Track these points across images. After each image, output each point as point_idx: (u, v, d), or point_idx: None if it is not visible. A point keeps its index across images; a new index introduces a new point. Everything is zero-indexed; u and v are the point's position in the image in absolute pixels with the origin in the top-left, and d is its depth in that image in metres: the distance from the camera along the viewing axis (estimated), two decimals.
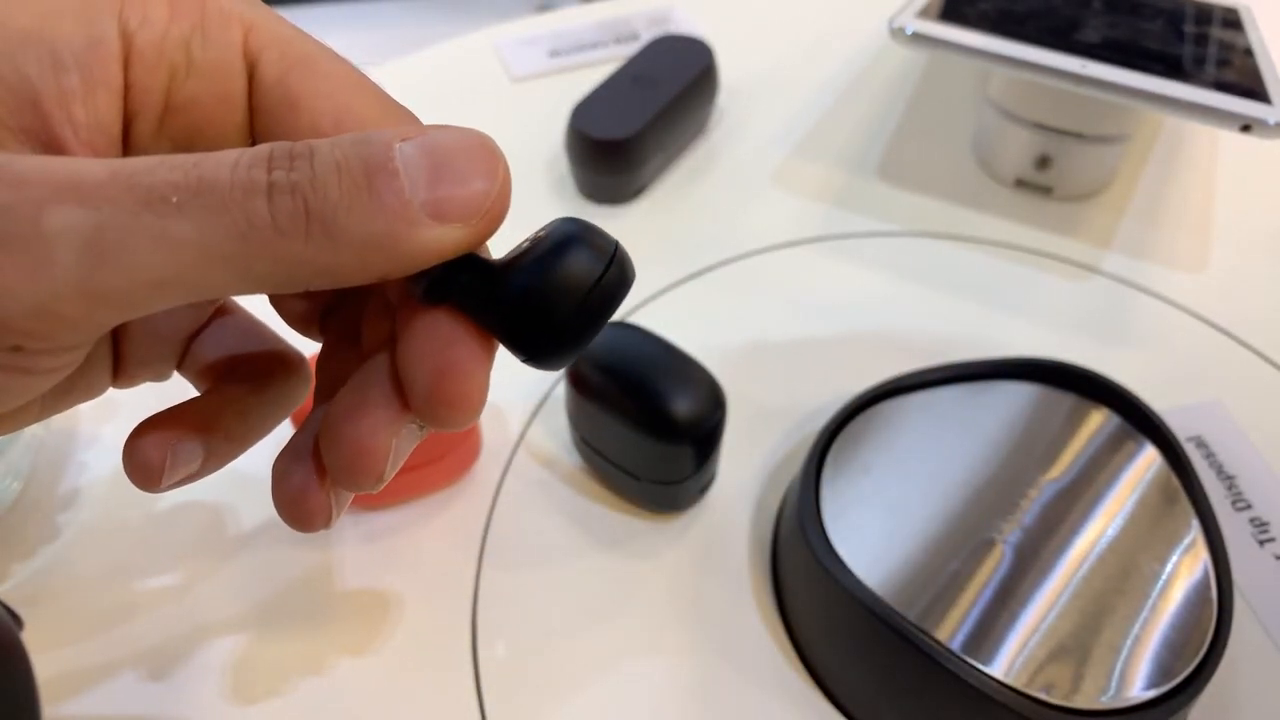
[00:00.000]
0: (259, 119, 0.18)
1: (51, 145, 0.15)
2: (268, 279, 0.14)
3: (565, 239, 0.16)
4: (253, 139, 0.18)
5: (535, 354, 0.16)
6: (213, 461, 0.19)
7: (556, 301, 0.16)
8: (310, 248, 0.14)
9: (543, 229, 0.17)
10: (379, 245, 0.14)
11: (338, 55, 0.18)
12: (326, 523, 0.18)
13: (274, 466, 0.18)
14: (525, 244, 0.17)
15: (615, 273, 0.16)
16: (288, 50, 0.18)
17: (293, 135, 0.18)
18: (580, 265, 0.16)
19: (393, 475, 0.17)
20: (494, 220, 0.15)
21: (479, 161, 0.15)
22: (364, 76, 0.18)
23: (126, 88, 0.16)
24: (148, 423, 0.19)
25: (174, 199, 0.13)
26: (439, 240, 0.15)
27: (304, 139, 0.17)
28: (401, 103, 0.18)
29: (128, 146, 0.17)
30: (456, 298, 0.16)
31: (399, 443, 0.17)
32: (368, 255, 0.14)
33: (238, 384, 0.21)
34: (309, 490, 0.18)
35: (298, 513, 0.18)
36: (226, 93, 0.17)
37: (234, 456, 0.20)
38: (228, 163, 0.14)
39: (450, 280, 0.16)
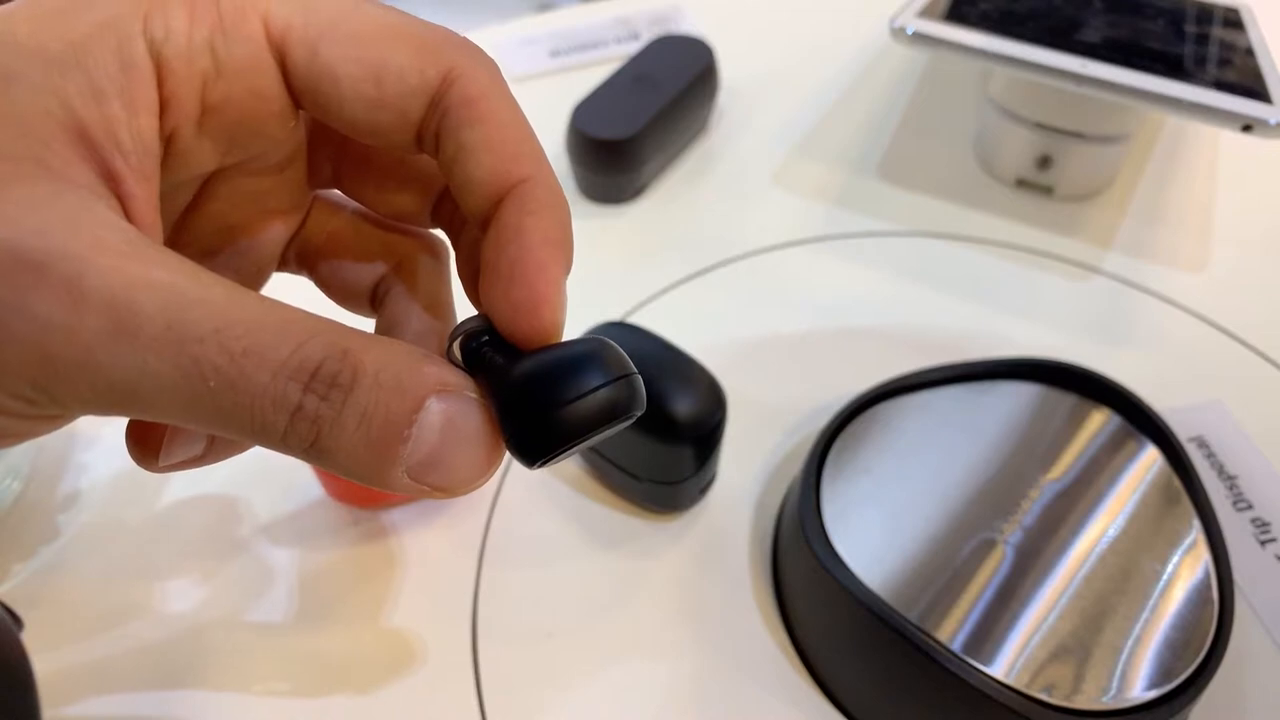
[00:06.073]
0: (304, 100, 0.18)
1: (105, 175, 0.16)
2: (261, 447, 0.16)
3: (585, 345, 0.17)
4: (297, 119, 0.18)
5: (511, 439, 0.16)
6: (216, 452, 0.19)
7: (542, 395, 0.16)
8: (302, 456, 0.15)
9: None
10: (355, 475, 0.16)
11: (360, 4, 0.18)
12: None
13: None
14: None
15: (610, 393, 0.16)
16: (311, 23, 0.17)
17: (338, 109, 0.18)
18: (581, 369, 0.16)
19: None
20: (463, 494, 0.17)
21: (479, 461, 0.16)
22: (392, 16, 0.18)
23: (162, 104, 0.16)
24: None
25: (211, 383, 0.14)
26: (407, 491, 0.16)
27: (351, 114, 0.17)
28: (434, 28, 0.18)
29: (169, 154, 0.17)
30: (481, 371, 0.17)
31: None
32: (345, 473, 0.16)
33: None
34: None
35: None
36: (258, 88, 0.17)
37: (238, 451, 0.20)
38: (272, 364, 0.15)
39: (476, 357, 0.17)
